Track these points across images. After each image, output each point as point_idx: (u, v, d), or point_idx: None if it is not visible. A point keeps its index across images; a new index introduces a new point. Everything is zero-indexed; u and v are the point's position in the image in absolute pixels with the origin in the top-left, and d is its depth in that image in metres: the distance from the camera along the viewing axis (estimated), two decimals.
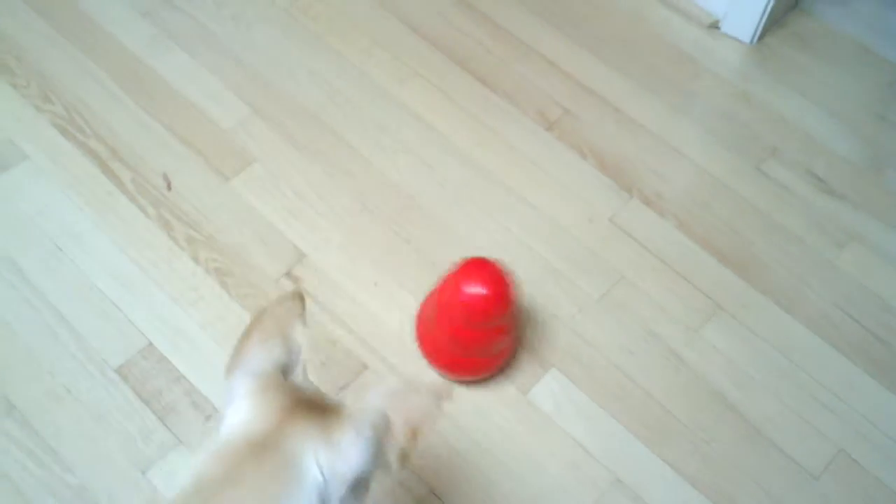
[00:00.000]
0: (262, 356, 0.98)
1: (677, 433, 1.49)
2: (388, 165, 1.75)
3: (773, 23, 1.98)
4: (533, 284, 1.61)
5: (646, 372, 1.54)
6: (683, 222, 1.71)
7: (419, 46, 1.92)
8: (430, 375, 1.51)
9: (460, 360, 1.48)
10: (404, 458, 0.95)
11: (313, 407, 0.95)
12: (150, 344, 1.53)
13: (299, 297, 1.05)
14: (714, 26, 1.98)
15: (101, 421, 1.46)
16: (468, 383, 1.51)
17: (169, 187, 1.68)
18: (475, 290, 1.38)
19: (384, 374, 1.51)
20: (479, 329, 1.42)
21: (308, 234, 1.66)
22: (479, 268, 1.40)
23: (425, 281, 1.54)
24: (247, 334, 1.01)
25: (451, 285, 1.41)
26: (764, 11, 1.92)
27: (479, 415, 1.49)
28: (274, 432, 0.91)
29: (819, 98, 1.90)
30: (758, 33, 1.96)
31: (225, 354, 1.48)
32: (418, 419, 0.96)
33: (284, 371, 0.98)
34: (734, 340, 1.58)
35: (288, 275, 1.60)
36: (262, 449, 0.90)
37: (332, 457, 0.91)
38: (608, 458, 1.46)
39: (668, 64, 1.94)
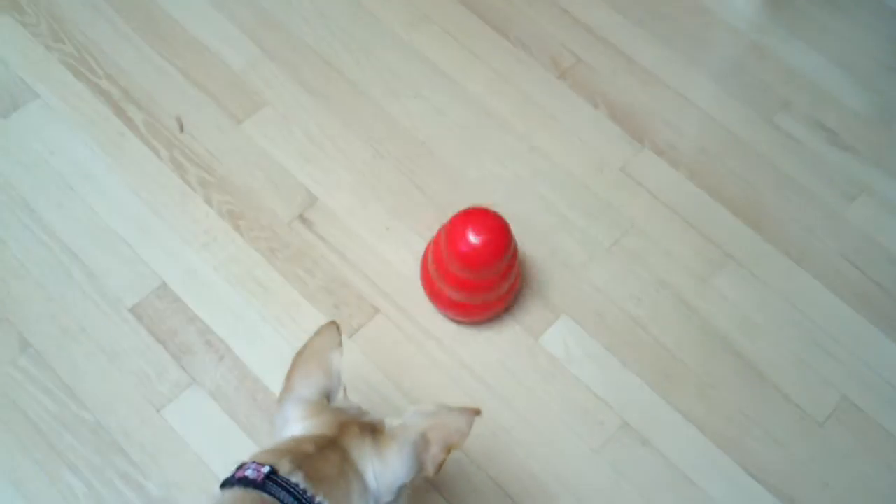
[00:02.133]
0: (308, 386, 1.11)
1: (685, 379, 1.50)
2: (400, 111, 1.74)
3: None
4: (543, 232, 1.62)
5: (655, 320, 1.55)
6: (695, 173, 1.71)
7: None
8: (439, 318, 1.52)
9: (462, 304, 1.48)
10: (439, 466, 1.09)
11: (361, 426, 1.08)
12: (164, 284, 1.53)
13: (335, 327, 1.16)
14: None
15: (115, 359, 1.47)
16: (475, 325, 1.52)
17: (181, 129, 1.67)
18: (470, 239, 1.39)
19: (395, 317, 1.53)
20: (477, 276, 1.43)
21: (320, 177, 1.65)
22: (474, 217, 1.41)
23: (436, 226, 1.53)
24: (292, 368, 1.13)
25: (448, 235, 1.41)
26: None
27: (490, 360, 1.50)
28: (336, 440, 1.05)
29: (831, 51, 1.89)
30: None
31: (238, 296, 1.54)
32: (451, 436, 1.09)
33: (328, 396, 1.12)
34: (743, 290, 1.59)
35: (300, 218, 1.60)
36: (328, 449, 1.03)
37: (382, 468, 1.05)
38: (617, 403, 1.48)
39: (682, 14, 1.92)
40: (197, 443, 1.41)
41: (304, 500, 0.95)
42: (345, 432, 1.06)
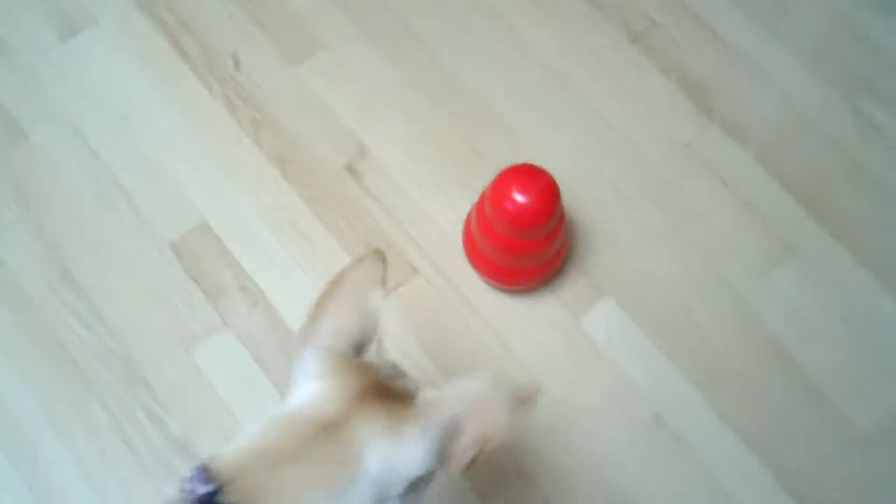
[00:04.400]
0: (336, 331, 0.93)
1: (729, 379, 1.45)
2: (463, 66, 1.68)
3: None
4: (597, 205, 1.56)
5: (706, 313, 1.49)
6: (764, 155, 1.62)
7: None
8: (479, 285, 1.48)
9: (504, 268, 1.44)
10: (468, 464, 0.89)
11: (384, 394, 0.90)
12: (206, 224, 1.52)
13: (381, 257, 0.97)
14: None
15: (151, 295, 1.47)
16: (515, 293, 1.48)
17: (236, 66, 1.64)
18: (518, 197, 1.33)
19: (434, 280, 1.49)
20: (522, 237, 1.38)
21: (373, 127, 1.61)
22: (523, 174, 1.35)
23: None
24: (321, 303, 0.94)
25: (493, 191, 1.36)
26: None
27: (525, 335, 1.46)
28: (342, 418, 0.87)
29: None
30: None
31: (278, 243, 1.51)
32: (493, 430, 0.89)
33: (358, 347, 0.94)
34: (802, 288, 1.51)
35: (348, 168, 1.56)
36: (328, 432, 0.86)
37: (394, 452, 0.86)
38: (654, 395, 1.43)
39: None
40: (222, 385, 1.42)
41: None
42: (360, 406, 0.88)
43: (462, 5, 1.73)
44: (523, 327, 1.47)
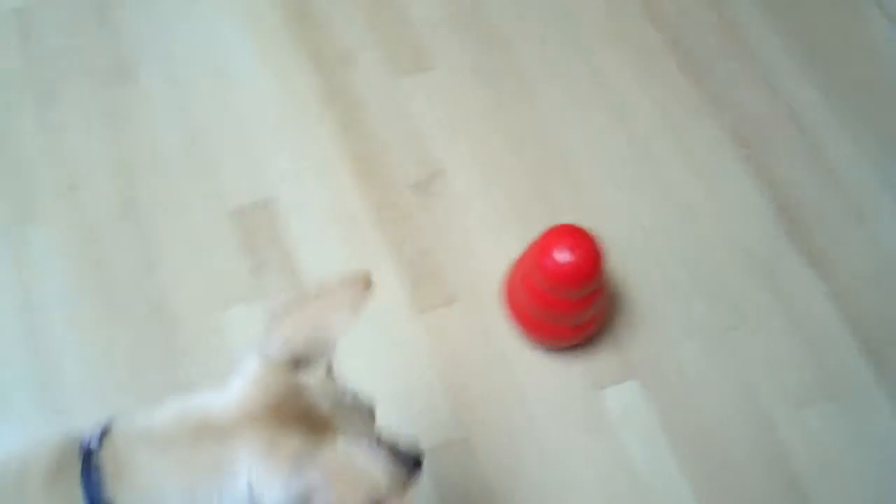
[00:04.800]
0: (285, 341, 0.89)
1: (728, 489, 1.39)
2: (556, 115, 1.69)
3: None
4: (647, 284, 1.54)
5: (730, 427, 1.44)
6: (840, 294, 1.56)
7: (638, 14, 1.81)
8: (510, 331, 1.47)
9: (537, 322, 1.44)
10: None
11: (293, 419, 0.84)
12: (272, 199, 1.57)
13: (367, 283, 0.93)
14: None
15: (201, 252, 1.52)
16: (545, 349, 1.47)
17: (345, 63, 1.69)
18: (559, 255, 1.34)
19: (469, 314, 1.49)
20: (558, 295, 1.38)
21: (453, 153, 1.64)
22: (570, 235, 1.37)
23: None
24: (287, 309, 0.92)
25: (540, 245, 1.38)
26: None
27: (543, 389, 1.45)
28: (233, 427, 0.84)
29: None
30: None
31: (331, 238, 1.55)
32: (355, 487, 0.82)
33: (300, 362, 0.89)
34: (835, 432, 1.45)
35: (418, 185, 1.59)
36: (214, 436, 0.83)
37: (259, 480, 0.82)
38: (646, 481, 1.39)
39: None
40: (238, 354, 1.43)
41: (93, 494, 0.81)
42: (255, 422, 0.83)
43: (576, 61, 1.74)
44: (542, 381, 1.45)
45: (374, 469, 0.83)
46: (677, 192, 1.63)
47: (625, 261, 1.52)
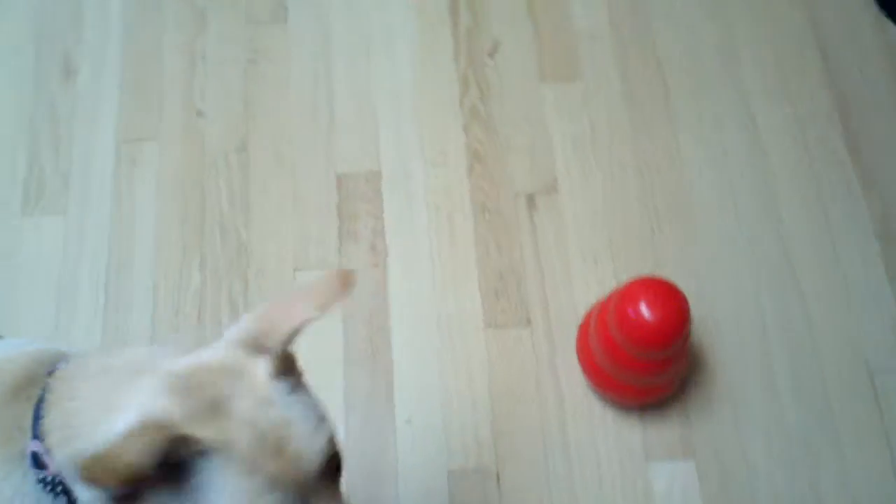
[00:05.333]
0: (251, 322, 0.82)
1: None
2: (693, 158, 1.58)
3: None
4: (736, 363, 1.43)
5: None
6: None
7: (813, 72, 1.66)
8: (575, 373, 1.41)
9: (605, 374, 1.37)
10: None
11: (188, 393, 0.76)
12: (378, 172, 1.56)
13: (345, 282, 0.84)
14: None
15: (296, 207, 1.54)
16: (606, 402, 1.40)
17: (491, 55, 1.65)
18: (643, 310, 1.25)
19: (539, 342, 1.43)
20: (633, 353, 1.29)
21: (573, 172, 1.57)
22: (661, 291, 1.27)
23: None
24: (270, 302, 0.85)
25: (625, 295, 1.29)
26: None
27: (590, 443, 1.38)
28: (151, 376, 0.78)
29: None
30: None
31: (426, 226, 1.53)
32: None
33: (258, 349, 0.80)
34: None
35: (529, 197, 1.54)
36: (132, 376, 0.78)
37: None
38: None
39: None
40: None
41: (37, 414, 0.78)
42: (167, 378, 0.76)
43: (731, 106, 1.62)
44: (593, 434, 1.39)
45: None
46: (803, 276, 1.50)
47: (720, 333, 1.42)
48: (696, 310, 1.31)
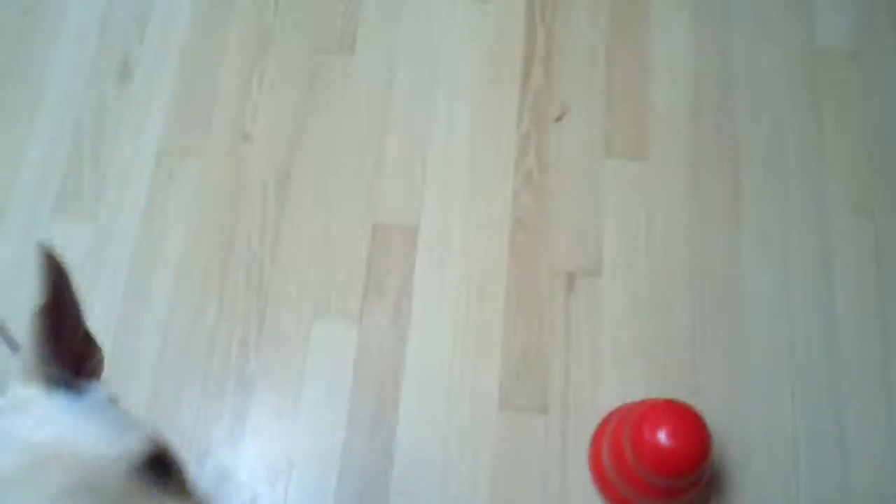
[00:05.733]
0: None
1: None
2: (753, 270, 1.47)
3: None
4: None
5: None
6: None
7: None
8: (584, 475, 1.33)
9: (615, 490, 1.29)
10: None
11: None
12: (417, 228, 1.50)
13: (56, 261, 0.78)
14: None
15: (327, 249, 1.49)
16: None
17: (558, 119, 1.58)
18: (659, 435, 1.17)
19: (552, 434, 1.36)
20: (644, 476, 1.21)
21: (621, 258, 1.49)
22: (682, 418, 1.18)
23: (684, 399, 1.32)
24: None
25: (643, 413, 1.21)
26: None
27: None
28: None
29: None
30: None
31: (454, 292, 1.48)
32: None
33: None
34: None
35: (569, 276, 1.46)
36: None
37: None
38: None
39: None
40: (311, 365, 1.41)
41: None
42: None
43: (806, 217, 1.51)
44: None
45: None
46: (848, 425, 1.38)
47: (747, 464, 1.33)
48: (725, 433, 1.24)
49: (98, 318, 1.43)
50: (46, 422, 0.71)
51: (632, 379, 1.41)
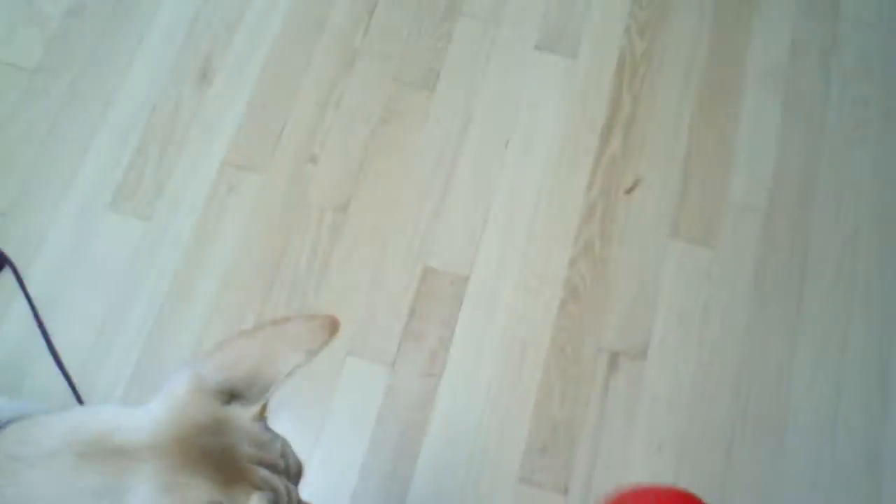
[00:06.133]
0: (223, 365, 0.78)
1: None
2: (804, 381, 1.42)
3: None
4: None
5: None
6: None
7: None
8: None
9: None
10: None
11: (207, 461, 0.74)
12: (467, 279, 1.48)
13: (334, 328, 0.82)
14: None
15: (372, 287, 1.48)
16: None
17: (629, 191, 1.55)
18: None
19: (538, 487, 1.33)
20: None
21: (672, 341, 1.45)
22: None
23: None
24: (239, 335, 0.81)
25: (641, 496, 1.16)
26: None
27: None
28: (131, 455, 0.73)
29: None
30: None
31: (493, 352, 1.45)
32: None
33: (234, 396, 0.79)
34: None
35: (613, 355, 1.43)
36: (103, 462, 0.73)
37: None
38: None
39: None
40: (336, 403, 1.40)
41: None
42: (160, 452, 0.73)
43: (869, 334, 1.45)
44: None
45: None
46: None
47: None
48: None
49: (140, 313, 1.44)
50: (261, 445, 0.80)
51: (661, 470, 1.37)
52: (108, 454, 0.73)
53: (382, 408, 1.40)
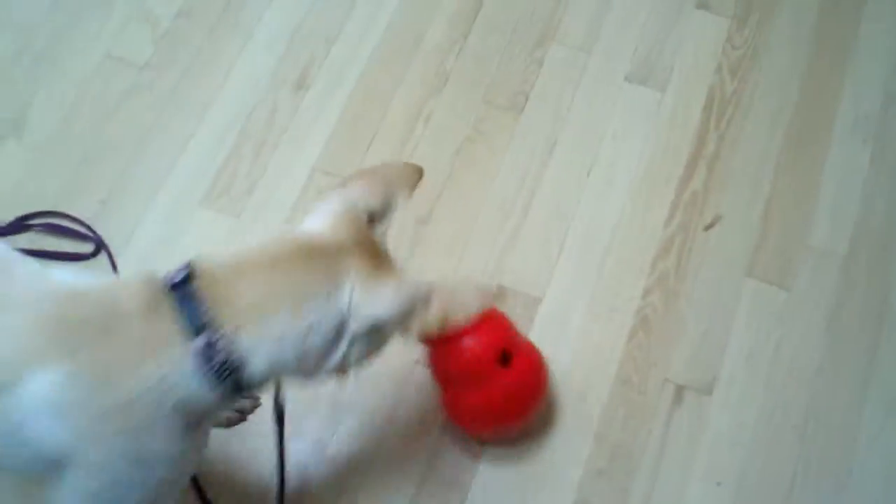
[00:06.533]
0: (361, 194, 1.05)
1: None
2: (872, 431, 1.42)
3: None
4: None
5: None
6: None
7: None
8: None
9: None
10: (425, 333, 1.06)
11: (373, 253, 1.01)
12: (540, 301, 1.52)
13: (421, 173, 1.12)
14: None
15: None
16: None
17: (708, 227, 1.57)
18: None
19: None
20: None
21: (737, 382, 1.45)
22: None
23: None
24: (358, 174, 1.10)
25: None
26: None
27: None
28: (332, 250, 0.98)
29: None
30: None
31: (559, 374, 1.47)
32: (455, 308, 1.03)
33: (371, 217, 1.05)
34: None
35: (680, 388, 1.45)
36: (315, 256, 0.97)
37: (364, 296, 0.96)
38: None
39: None
40: (400, 412, 1.43)
41: (194, 321, 0.90)
42: (351, 247, 0.98)
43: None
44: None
45: (468, 292, 1.07)
46: None
47: None
48: None
49: None
50: None
51: (718, 502, 1.40)
52: (316, 254, 0.97)
53: (446, 421, 1.43)
